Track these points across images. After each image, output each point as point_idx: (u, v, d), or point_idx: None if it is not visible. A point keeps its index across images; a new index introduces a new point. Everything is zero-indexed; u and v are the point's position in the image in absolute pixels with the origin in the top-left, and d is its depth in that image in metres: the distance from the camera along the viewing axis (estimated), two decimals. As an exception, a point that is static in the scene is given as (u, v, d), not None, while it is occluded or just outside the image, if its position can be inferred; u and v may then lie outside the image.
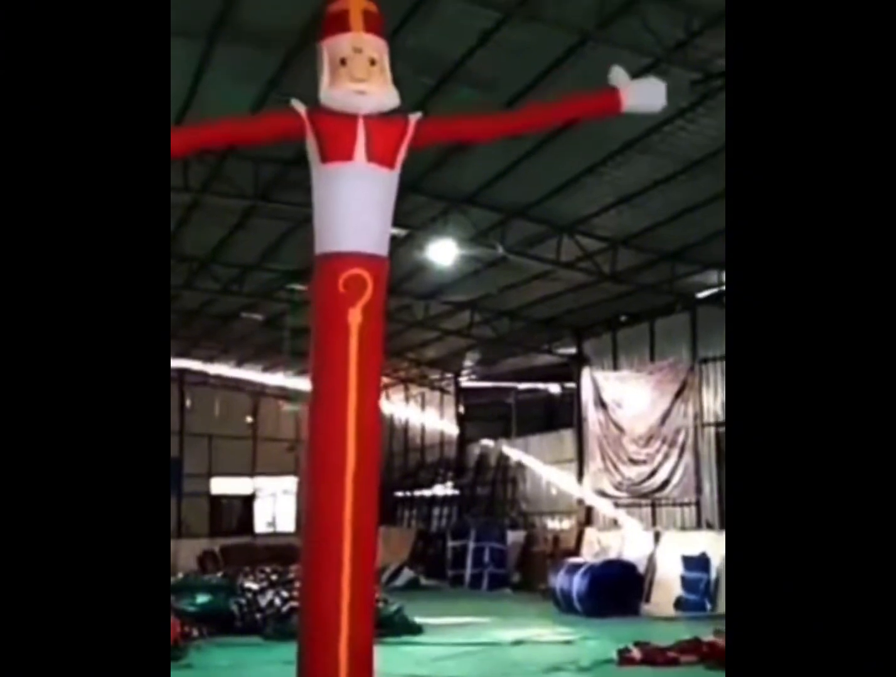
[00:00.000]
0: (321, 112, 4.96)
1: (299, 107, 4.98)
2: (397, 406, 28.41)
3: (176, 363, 27.35)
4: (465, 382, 25.32)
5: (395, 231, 14.53)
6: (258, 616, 12.68)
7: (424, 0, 9.31)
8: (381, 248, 5.02)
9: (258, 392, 28.92)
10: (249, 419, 28.55)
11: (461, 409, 25.35)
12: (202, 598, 12.97)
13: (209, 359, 26.90)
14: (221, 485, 28.58)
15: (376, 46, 5.01)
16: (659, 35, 9.21)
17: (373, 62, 4.96)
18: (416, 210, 13.71)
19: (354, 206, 4.91)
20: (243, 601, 12.93)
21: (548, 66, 10.13)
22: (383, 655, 10.16)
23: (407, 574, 21.15)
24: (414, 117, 5.11)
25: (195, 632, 11.51)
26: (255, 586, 13.31)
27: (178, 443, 27.54)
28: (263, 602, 12.92)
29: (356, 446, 4.82)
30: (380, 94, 4.98)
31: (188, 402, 28.07)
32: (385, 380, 27.57)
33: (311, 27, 9.50)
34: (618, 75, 5.32)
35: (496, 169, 12.84)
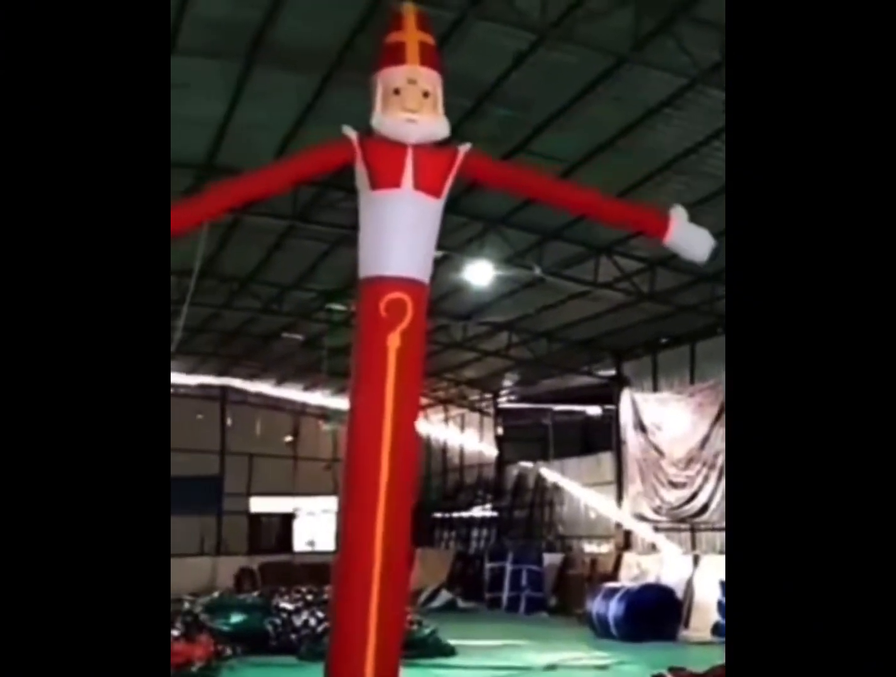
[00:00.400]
0: (372, 140, 5.08)
1: (351, 133, 5.09)
2: (436, 426, 28.38)
3: (217, 381, 27.63)
4: (504, 403, 25.25)
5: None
6: (293, 636, 12.69)
7: (459, 22, 9.34)
8: (423, 274, 5.13)
9: (298, 411, 29.04)
10: (289, 438, 28.64)
11: (500, 430, 25.26)
12: (236, 617, 13.00)
13: (250, 377, 27.07)
14: (261, 504, 28.66)
15: (430, 79, 5.12)
16: (694, 56, 9.17)
17: (426, 94, 5.06)
18: (452, 231, 13.69)
19: (399, 232, 5.02)
20: (278, 621, 12.94)
21: (583, 88, 10.12)
22: (413, 678, 10.24)
23: (444, 596, 21.06)
24: (463, 149, 5.21)
25: (228, 651, 11.53)
26: (290, 606, 13.32)
27: (219, 461, 27.74)
28: (298, 622, 12.93)
29: (390, 468, 4.89)
30: (430, 123, 5.08)
31: (229, 421, 28.23)
32: (424, 400, 27.55)
33: (347, 49, 9.61)
34: (677, 211, 5.46)
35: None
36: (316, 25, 9.45)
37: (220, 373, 26.76)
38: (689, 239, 5.48)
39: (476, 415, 26.42)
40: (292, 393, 28.19)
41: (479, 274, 15.34)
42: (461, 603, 20.71)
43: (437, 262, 15.53)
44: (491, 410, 25.61)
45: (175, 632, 11.21)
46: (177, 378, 26.95)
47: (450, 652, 12.56)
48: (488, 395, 25.51)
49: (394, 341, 4.95)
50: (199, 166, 12.97)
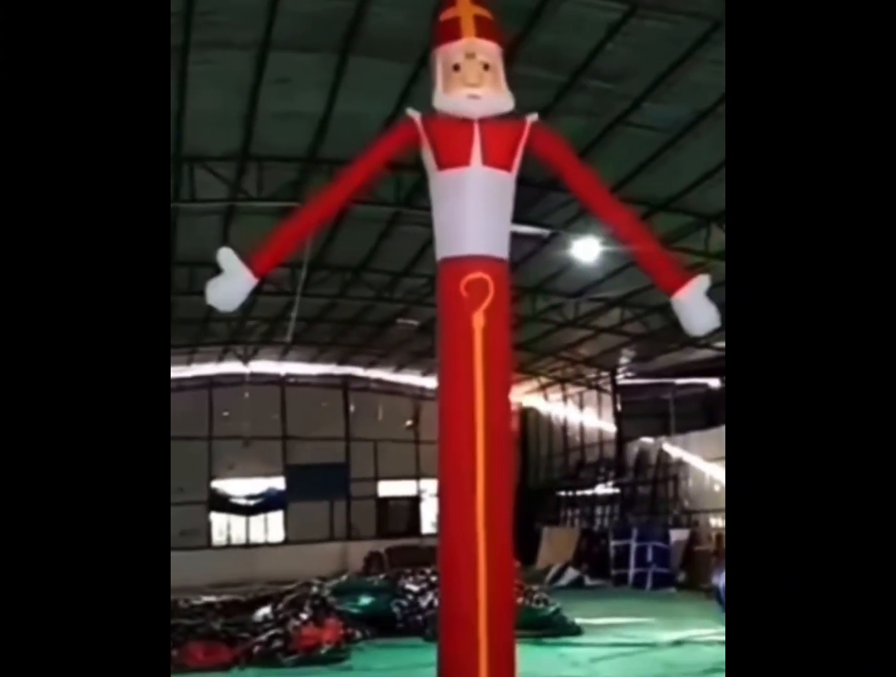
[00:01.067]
0: (436, 119, 4.97)
1: (415, 115, 5.00)
2: (555, 405, 28.29)
3: (339, 370, 28.17)
4: (622, 380, 24.99)
5: (539, 231, 14.70)
6: (419, 617, 12.85)
7: (550, -2, 9.28)
8: (501, 251, 5.00)
9: (418, 395, 29.34)
10: (410, 422, 29.00)
11: (619, 407, 25.03)
12: (364, 600, 13.23)
13: (370, 364, 27.48)
14: (388, 488, 29.12)
15: (489, 51, 4.99)
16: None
17: (486, 67, 4.94)
18: (556, 209, 13.63)
19: (473, 210, 4.90)
20: (404, 602, 13.12)
21: (681, 55, 9.90)
22: (539, 656, 10.29)
23: (571, 573, 21.01)
24: (530, 119, 5.04)
25: (357, 634, 11.76)
26: (415, 588, 13.48)
27: (345, 448, 28.26)
28: (424, 603, 13.08)
29: (486, 449, 4.81)
30: (493, 97, 4.95)
31: (352, 408, 28.72)
32: (542, 379, 27.56)
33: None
34: (701, 279, 5.09)
35: (637, 161, 12.63)
36: (406, 12, 9.50)
37: (341, 361, 27.25)
38: (697, 309, 5.10)
39: (594, 393, 26.23)
40: (411, 377, 28.51)
41: (587, 250, 15.20)
42: (588, 581, 20.62)
43: (545, 241, 15.57)
44: (609, 387, 25.39)
45: (304, 616, 11.49)
46: (298, 368, 27.67)
47: (576, 630, 12.52)
48: (605, 373, 25.28)
49: (478, 321, 4.84)
50: (302, 160, 13.23)
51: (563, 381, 27.15)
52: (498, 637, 4.81)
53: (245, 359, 24.67)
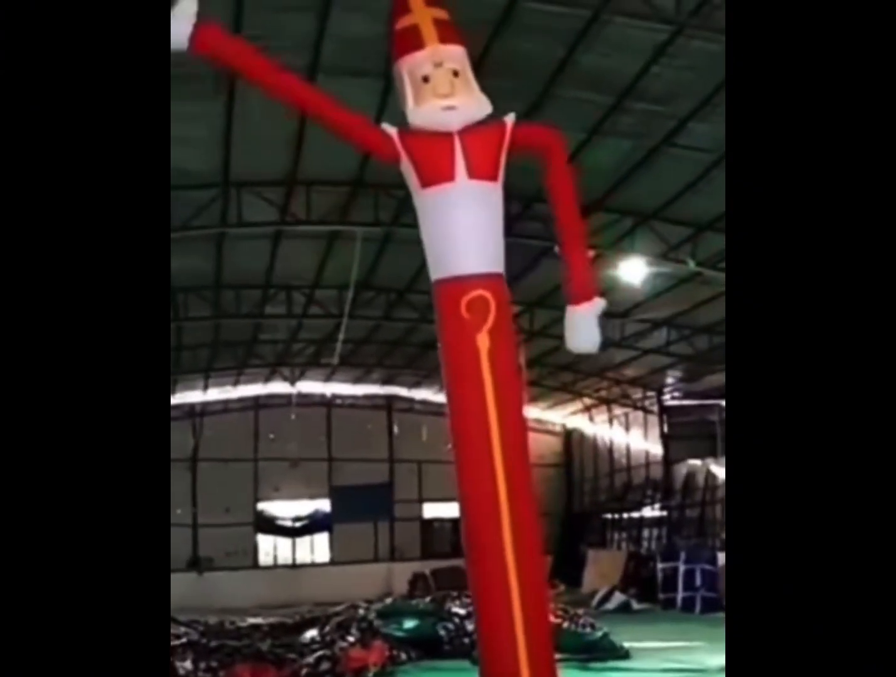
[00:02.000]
0: (413, 134, 4.72)
1: (391, 130, 4.73)
2: (600, 426, 28.12)
3: (383, 391, 28.22)
4: (668, 401, 24.79)
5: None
6: (465, 640, 12.79)
7: (595, 19, 9.29)
8: (497, 265, 4.79)
9: (462, 417, 29.31)
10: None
11: (665, 428, 24.82)
12: (410, 623, 13.21)
13: (414, 385, 27.53)
14: (433, 509, 29.07)
15: (456, 56, 4.75)
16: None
17: (455, 73, 4.71)
18: (602, 228, 13.60)
19: (464, 228, 4.69)
20: (450, 625, 13.08)
21: (727, 75, 9.87)
22: (585, 680, 10.18)
23: (618, 597, 20.77)
24: (510, 119, 4.83)
25: (403, 656, 11.75)
26: (462, 611, 13.44)
27: (389, 468, 28.28)
28: (470, 626, 13.02)
29: (505, 467, 4.63)
30: (469, 105, 4.74)
31: (396, 429, 28.76)
32: (587, 400, 27.41)
33: (485, 54, 9.69)
34: (599, 303, 4.92)
35: (683, 181, 12.59)
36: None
37: (385, 382, 27.34)
38: (585, 327, 4.91)
39: (640, 414, 26.05)
40: (456, 399, 28.46)
41: (633, 271, 15.14)
42: (635, 605, 20.40)
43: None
44: (655, 408, 25.20)
45: (351, 638, 11.50)
46: (343, 388, 27.78)
47: (624, 654, 12.40)
48: (651, 393, 25.11)
49: (483, 342, 4.65)
50: (349, 183, 13.34)
51: (608, 402, 26.99)
52: (538, 656, 4.66)
53: (292, 381, 24.83)
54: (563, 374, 24.28)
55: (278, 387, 25.90)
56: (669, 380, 24.22)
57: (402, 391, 28.20)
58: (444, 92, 4.68)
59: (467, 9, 9.16)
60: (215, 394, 25.90)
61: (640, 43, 9.52)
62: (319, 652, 10.62)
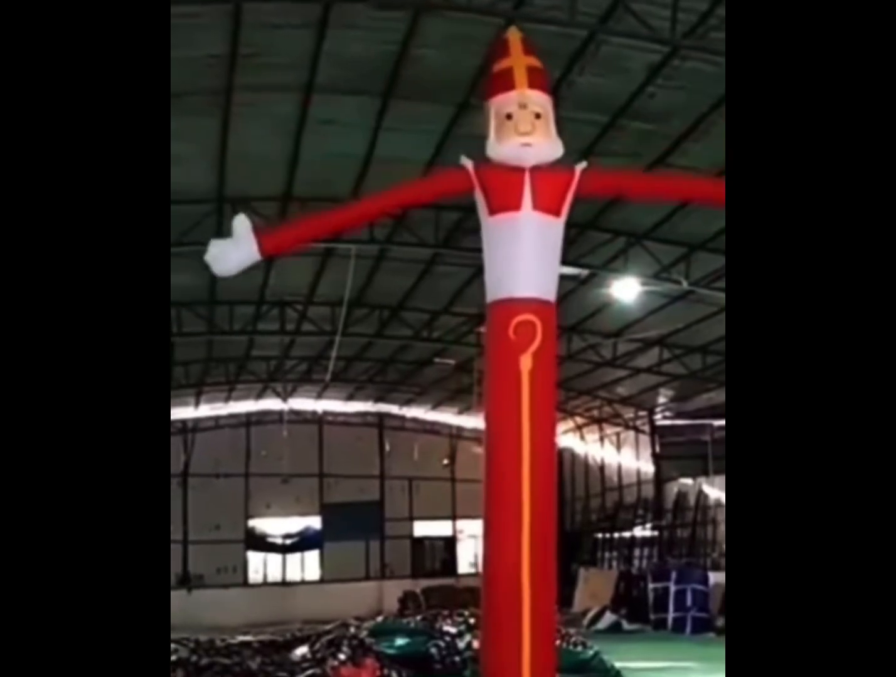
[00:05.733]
0: (488, 167, 5.10)
1: (467, 163, 5.12)
2: (592, 445, 28.11)
3: (375, 408, 28.20)
4: (660, 420, 24.80)
5: (578, 271, 14.71)
6: (457, 658, 12.74)
7: (591, 39, 9.35)
8: (549, 294, 5.10)
9: (455, 434, 29.29)
10: (446, 461, 28.94)
11: (657, 448, 24.82)
12: (401, 641, 13.14)
13: (406, 403, 27.51)
14: (424, 528, 29.01)
15: (541, 102, 5.10)
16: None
17: (538, 116, 5.05)
18: (596, 248, 13.66)
19: (522, 254, 5.02)
20: (442, 644, 13.01)
21: (720, 97, 9.91)
22: (577, 700, 10.12)
23: (609, 617, 20.74)
24: (580, 167, 5.16)
25: (394, 675, 11.68)
26: (453, 629, 13.38)
27: (380, 486, 28.22)
28: (462, 644, 12.98)
29: (532, 491, 4.87)
30: (544, 145, 5.05)
31: (387, 446, 28.71)
32: (578, 419, 27.42)
33: (478, 77, 9.74)
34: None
35: (676, 202, 12.62)
36: (448, 55, 9.61)
37: (377, 399, 27.31)
38: None
39: (632, 433, 26.06)
40: (447, 416, 28.47)
41: (626, 290, 15.19)
42: (626, 625, 20.36)
43: (583, 281, 15.56)
44: (647, 428, 25.21)
45: (342, 656, 11.43)
46: (336, 405, 27.74)
47: (615, 674, 12.35)
48: (643, 413, 25.13)
49: (526, 363, 4.94)
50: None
51: (600, 421, 27.00)
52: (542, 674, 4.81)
53: (284, 397, 24.80)
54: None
55: (270, 403, 25.84)
56: (661, 400, 24.24)
57: (394, 408, 28.17)
58: (524, 130, 5.00)
59: (464, 27, 9.28)
60: (207, 410, 25.83)
61: (635, 63, 9.59)
62: (310, 670, 10.55)
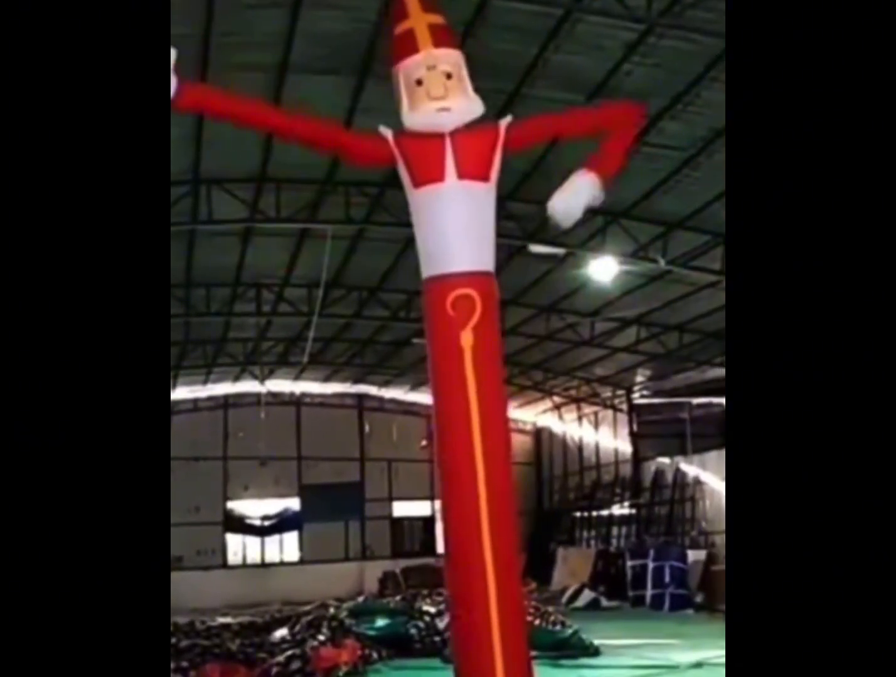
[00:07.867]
0: (406, 136, 4.86)
1: (386, 132, 4.90)
2: (570, 425, 28.22)
3: (353, 389, 28.16)
4: (638, 399, 24.91)
5: (555, 250, 14.70)
6: (436, 638, 12.80)
7: (567, 17, 9.30)
8: (486, 265, 4.92)
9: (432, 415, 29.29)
10: (424, 442, 28.99)
11: (635, 427, 24.94)
12: (381, 621, 13.19)
13: (384, 384, 27.49)
14: (402, 508, 29.07)
15: (450, 59, 4.88)
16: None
17: (449, 76, 4.83)
18: (572, 226, 13.61)
19: (452, 228, 4.83)
20: (421, 624, 13.07)
21: (697, 75, 9.93)
22: (558, 678, 10.20)
23: (587, 595, 20.87)
24: (504, 122, 4.97)
25: (374, 655, 11.72)
26: (432, 609, 13.44)
27: (360, 468, 28.24)
28: (441, 624, 13.03)
29: (486, 466, 4.74)
30: (462, 106, 4.85)
31: (367, 428, 28.71)
32: (557, 399, 27.50)
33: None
34: (595, 180, 5.12)
35: (653, 180, 12.64)
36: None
37: (356, 381, 27.28)
38: (567, 189, 5.09)
39: (610, 412, 26.17)
40: (426, 397, 28.43)
41: (604, 269, 15.18)
42: (605, 602, 20.50)
43: (561, 260, 15.53)
44: (625, 406, 25.32)
45: (322, 637, 11.46)
46: (314, 387, 27.70)
47: (594, 651, 12.44)
48: (621, 392, 25.22)
49: (467, 339, 4.77)
50: (319, 182, 13.29)
51: (578, 401, 27.09)
52: (514, 656, 4.73)
53: (261, 379, 24.73)
54: (533, 373, 24.35)
55: (248, 385, 25.79)
56: (639, 379, 24.33)
57: (373, 390, 28.15)
58: (436, 94, 4.79)
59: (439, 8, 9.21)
60: (185, 392, 25.73)
61: (611, 41, 9.55)
62: (290, 652, 10.58)
